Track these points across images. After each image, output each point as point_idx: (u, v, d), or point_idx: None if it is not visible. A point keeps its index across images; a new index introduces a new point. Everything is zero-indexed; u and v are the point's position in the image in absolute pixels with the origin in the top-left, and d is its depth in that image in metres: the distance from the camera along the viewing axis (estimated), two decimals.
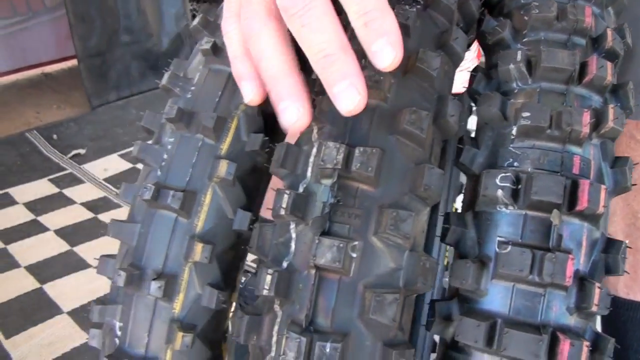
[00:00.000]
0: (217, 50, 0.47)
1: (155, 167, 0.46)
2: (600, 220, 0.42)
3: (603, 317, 1.17)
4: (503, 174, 0.42)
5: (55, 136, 2.69)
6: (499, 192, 0.41)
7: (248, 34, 0.41)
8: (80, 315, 1.58)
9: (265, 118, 0.48)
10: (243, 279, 1.40)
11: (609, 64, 0.44)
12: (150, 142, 0.48)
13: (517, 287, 0.40)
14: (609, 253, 0.42)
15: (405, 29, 0.43)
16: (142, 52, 3.09)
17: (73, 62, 3.15)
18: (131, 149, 2.11)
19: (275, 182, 0.45)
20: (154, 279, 0.43)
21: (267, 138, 0.47)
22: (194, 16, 3.34)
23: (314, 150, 0.41)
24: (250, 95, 0.44)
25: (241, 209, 0.46)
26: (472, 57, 0.54)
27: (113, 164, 2.45)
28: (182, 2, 3.20)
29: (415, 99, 0.42)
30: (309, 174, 0.40)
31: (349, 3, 0.38)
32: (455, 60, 0.46)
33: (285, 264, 0.39)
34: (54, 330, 1.54)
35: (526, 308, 0.40)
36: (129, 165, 2.42)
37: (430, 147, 0.42)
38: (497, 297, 0.41)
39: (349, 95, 0.38)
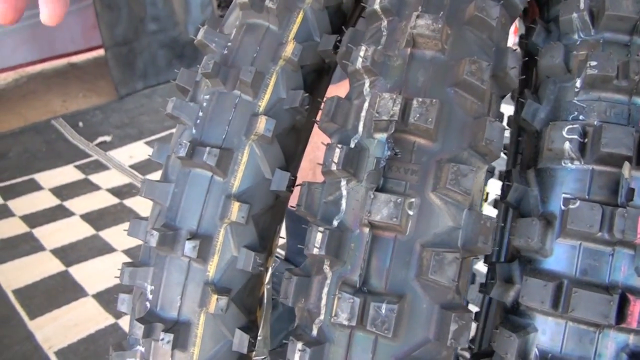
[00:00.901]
0: (256, 4, 0.45)
1: (190, 125, 0.44)
2: None
3: None
4: (570, 126, 0.40)
5: (81, 124, 2.72)
6: (567, 145, 0.39)
7: None
8: (105, 298, 1.59)
9: (305, 75, 0.45)
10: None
11: None
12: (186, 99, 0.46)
13: (584, 246, 0.38)
14: None
15: None
16: (169, 40, 3.09)
17: (99, 52, 3.18)
18: (157, 136, 2.12)
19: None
20: (188, 239, 0.41)
21: (307, 94, 0.44)
22: (219, 5, 3.34)
23: (366, 103, 0.38)
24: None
25: (279, 169, 0.44)
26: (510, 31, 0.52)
27: (139, 151, 2.46)
28: None
29: (474, 50, 0.39)
30: (360, 128, 0.38)
31: None
32: (512, 13, 0.43)
33: (335, 223, 0.37)
34: (79, 312, 1.55)
35: (593, 268, 0.38)
36: None
37: (489, 102, 0.40)
38: (562, 257, 0.39)
39: None
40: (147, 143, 2.52)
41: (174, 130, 0.46)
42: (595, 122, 0.40)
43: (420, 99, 0.36)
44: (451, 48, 0.39)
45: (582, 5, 0.43)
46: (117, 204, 2.05)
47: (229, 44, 0.45)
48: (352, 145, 0.38)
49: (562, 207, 0.39)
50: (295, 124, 0.45)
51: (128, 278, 0.44)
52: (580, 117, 0.41)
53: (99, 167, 2.34)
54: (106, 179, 2.23)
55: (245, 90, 0.43)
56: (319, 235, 0.36)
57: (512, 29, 0.65)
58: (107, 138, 2.57)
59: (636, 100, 0.40)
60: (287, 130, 0.44)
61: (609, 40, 0.43)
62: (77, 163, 2.37)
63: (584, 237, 0.38)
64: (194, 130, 0.44)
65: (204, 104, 0.44)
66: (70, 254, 1.78)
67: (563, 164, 0.40)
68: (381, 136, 0.37)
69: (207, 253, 0.42)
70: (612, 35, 0.42)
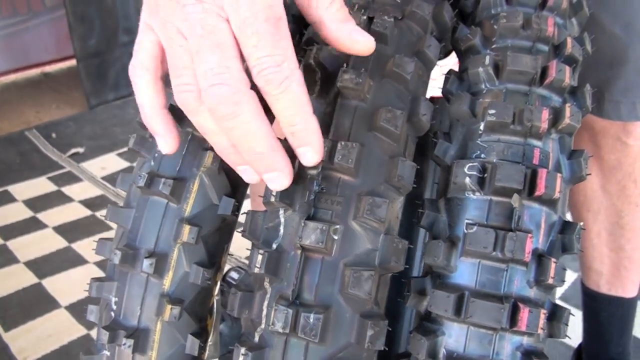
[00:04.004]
0: None
1: (149, 158, 0.51)
2: (558, 205, 0.47)
3: (585, 312, 1.21)
4: (470, 164, 0.46)
5: (54, 135, 2.74)
6: (467, 180, 0.46)
7: (221, 108, 0.38)
8: (78, 310, 1.62)
9: None
10: (237, 276, 1.44)
11: (567, 68, 0.49)
12: (145, 135, 0.53)
13: (482, 263, 0.45)
14: (565, 234, 0.47)
15: (383, 38, 0.48)
16: None
17: (72, 62, 3.18)
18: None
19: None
20: (146, 257, 0.48)
21: None
22: None
23: None
24: (168, 149, 0.45)
25: (226, 196, 0.50)
26: (456, 61, 0.59)
27: (111, 162, 2.49)
28: None
29: (391, 99, 0.46)
30: (296, 165, 0.45)
31: (279, 115, 0.40)
32: (428, 66, 0.51)
33: (274, 246, 0.44)
34: (53, 324, 1.58)
35: (491, 281, 0.44)
36: (126, 164, 2.46)
37: (405, 142, 0.47)
38: (465, 272, 0.45)
39: (279, 181, 0.41)
40: (119, 155, 2.55)
41: None
42: (495, 160, 0.47)
43: (343, 143, 0.43)
44: (372, 97, 0.46)
45: (487, 61, 0.50)
46: (90, 216, 2.08)
47: None
48: None
49: (465, 231, 0.46)
50: None
51: (95, 291, 0.51)
52: (482, 155, 0.47)
53: (71, 179, 2.36)
54: (79, 191, 2.26)
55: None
56: (260, 257, 0.43)
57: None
58: (80, 149, 2.60)
59: (530, 141, 0.47)
60: None
61: (511, 90, 0.49)
62: (50, 175, 2.39)
63: (482, 256, 0.45)
64: (152, 163, 0.51)
65: None
66: (43, 266, 1.81)
67: (467, 195, 0.47)
68: (313, 172, 0.44)
69: (163, 269, 0.49)
70: (514, 86, 0.49)
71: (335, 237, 0.42)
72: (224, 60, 0.37)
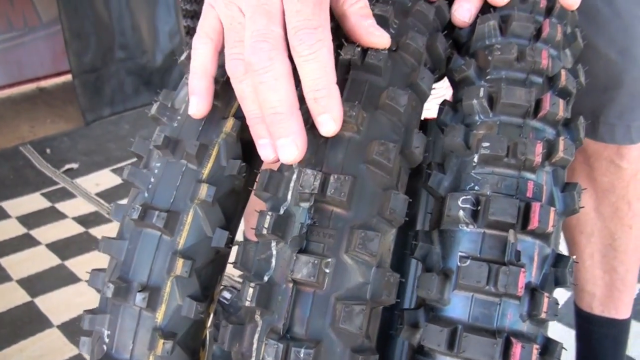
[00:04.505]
0: None
1: (142, 189, 0.51)
2: (551, 238, 0.47)
3: (579, 334, 1.21)
4: (464, 197, 0.46)
5: (48, 150, 2.73)
6: (461, 213, 0.46)
7: (257, 60, 0.43)
8: (70, 329, 1.61)
9: (244, 145, 0.52)
10: (229, 295, 1.44)
11: (561, 101, 0.49)
12: (139, 166, 0.53)
13: (475, 297, 0.45)
14: (558, 267, 0.47)
15: (377, 70, 0.48)
16: (137, 68, 3.13)
17: (67, 77, 3.19)
18: (123, 163, 2.17)
19: (257, 205, 0.49)
20: (139, 291, 0.48)
21: (244, 164, 0.51)
22: (187, 33, 3.39)
23: (294, 176, 0.45)
24: (196, 111, 0.50)
25: (219, 228, 0.50)
26: (448, 85, 0.59)
27: (105, 178, 2.48)
28: (176, 19, 3.25)
29: (385, 131, 0.47)
30: (289, 197, 0.45)
31: (304, 78, 0.44)
32: (421, 97, 0.51)
33: (266, 278, 0.44)
34: (45, 343, 1.57)
35: (484, 315, 0.44)
36: (120, 181, 2.45)
37: (398, 175, 0.47)
38: (458, 305, 0.45)
39: (289, 149, 0.44)
40: (113, 171, 2.54)
41: None
42: (488, 193, 0.47)
43: (336, 176, 0.43)
44: (366, 129, 0.46)
45: (481, 93, 0.50)
46: (83, 232, 2.07)
47: (179, 117, 0.52)
48: (282, 211, 0.45)
49: (458, 264, 0.46)
50: (234, 188, 0.52)
51: (88, 324, 0.51)
52: (476, 187, 0.48)
53: (65, 195, 2.36)
54: (72, 208, 2.25)
55: (191, 160, 0.50)
56: (251, 290, 0.43)
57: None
58: (74, 165, 2.59)
59: (524, 174, 0.47)
60: (227, 194, 0.51)
61: (504, 122, 0.49)
62: (44, 191, 2.38)
63: (475, 290, 0.45)
64: (146, 194, 0.51)
65: (155, 171, 0.51)
66: (36, 284, 1.80)
67: (460, 227, 0.47)
68: (305, 205, 0.44)
69: (156, 302, 0.49)
70: (508, 118, 0.50)
71: (327, 271, 0.42)
72: (270, 24, 0.43)
